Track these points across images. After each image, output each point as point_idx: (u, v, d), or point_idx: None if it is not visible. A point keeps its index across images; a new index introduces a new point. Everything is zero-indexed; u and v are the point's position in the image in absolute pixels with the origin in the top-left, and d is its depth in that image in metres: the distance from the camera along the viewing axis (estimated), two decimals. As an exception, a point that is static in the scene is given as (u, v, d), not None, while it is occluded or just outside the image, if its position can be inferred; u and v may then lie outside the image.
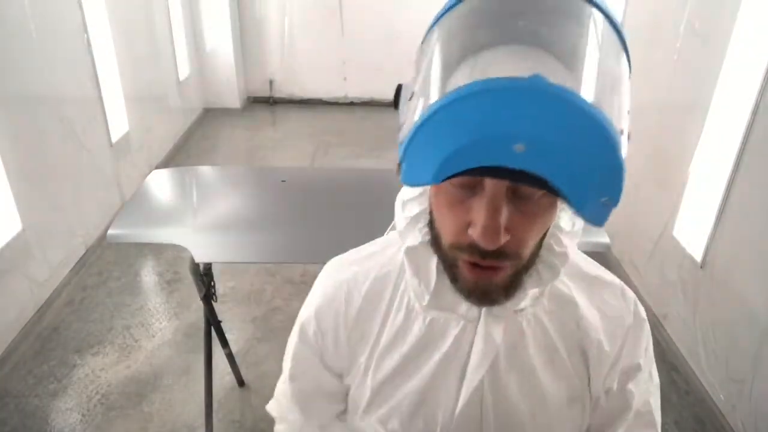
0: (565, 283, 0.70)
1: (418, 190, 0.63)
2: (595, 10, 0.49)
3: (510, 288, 0.58)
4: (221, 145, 5.16)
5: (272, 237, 1.80)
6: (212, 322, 2.03)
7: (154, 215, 1.93)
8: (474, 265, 0.55)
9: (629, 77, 0.50)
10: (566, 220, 0.61)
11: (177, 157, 4.73)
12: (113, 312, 2.84)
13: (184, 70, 5.08)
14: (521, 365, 0.67)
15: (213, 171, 2.47)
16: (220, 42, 5.53)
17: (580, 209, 0.46)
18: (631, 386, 0.70)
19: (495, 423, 0.67)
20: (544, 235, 0.59)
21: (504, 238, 0.50)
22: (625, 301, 0.72)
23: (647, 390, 0.72)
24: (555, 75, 0.43)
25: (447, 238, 0.56)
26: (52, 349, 2.58)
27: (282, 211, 1.95)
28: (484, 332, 0.65)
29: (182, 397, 2.35)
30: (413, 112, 0.49)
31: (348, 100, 6.08)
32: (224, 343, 2.23)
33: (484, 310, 0.65)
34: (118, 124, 3.67)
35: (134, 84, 3.92)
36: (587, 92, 0.44)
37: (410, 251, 0.65)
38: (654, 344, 2.39)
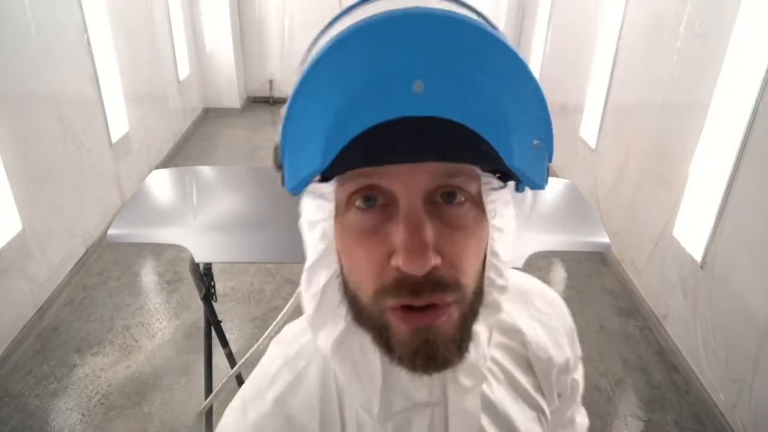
0: (504, 310, 0.60)
1: (320, 247, 0.47)
2: None
3: (461, 342, 0.46)
4: (221, 145, 5.16)
5: (272, 237, 1.80)
6: (212, 322, 2.02)
7: (154, 215, 1.93)
8: (407, 310, 0.43)
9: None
10: (502, 244, 0.48)
11: (177, 157, 4.73)
12: (113, 312, 2.84)
13: (184, 70, 5.08)
14: (497, 417, 0.59)
15: (213, 171, 2.47)
16: (220, 42, 5.54)
17: (509, 159, 0.39)
18: (576, 376, 0.71)
19: None
20: (484, 267, 0.48)
21: (434, 259, 0.41)
22: (553, 305, 0.68)
23: (581, 374, 0.74)
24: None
25: (367, 287, 0.44)
26: (52, 349, 2.58)
27: (282, 211, 1.95)
28: (457, 413, 0.54)
29: (182, 397, 2.35)
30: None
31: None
32: (224, 343, 2.23)
33: (449, 385, 0.53)
34: (118, 124, 3.67)
35: (134, 84, 3.92)
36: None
37: (337, 348, 0.49)
38: (654, 344, 2.41)
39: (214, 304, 2.00)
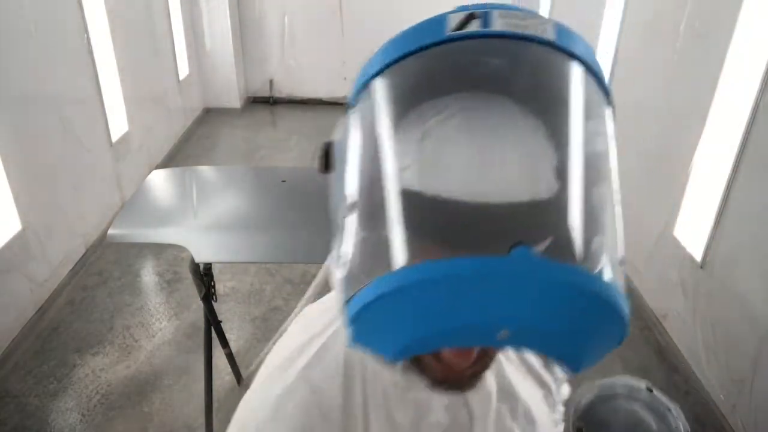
0: None
1: None
2: (576, 63, 0.41)
3: (484, 368, 0.49)
4: (221, 145, 5.16)
5: (272, 237, 1.80)
6: (212, 322, 2.02)
7: (154, 215, 1.93)
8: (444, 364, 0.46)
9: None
10: None
11: (177, 157, 4.73)
12: (113, 312, 2.84)
13: (184, 70, 5.08)
14: (506, 392, 0.62)
15: (213, 171, 2.47)
16: (220, 42, 5.53)
17: (576, 371, 0.40)
18: None
19: None
20: None
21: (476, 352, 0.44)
22: None
23: None
24: (531, 156, 0.37)
25: None
26: (52, 349, 2.58)
27: (282, 211, 1.95)
28: (476, 389, 0.54)
29: (182, 397, 2.35)
30: (356, 234, 0.40)
31: (348, 100, 6.08)
32: (224, 343, 2.23)
33: None
34: (118, 124, 3.67)
35: (134, 84, 3.92)
36: (573, 205, 0.36)
37: None
38: (654, 344, 2.40)
39: (214, 304, 2.00)
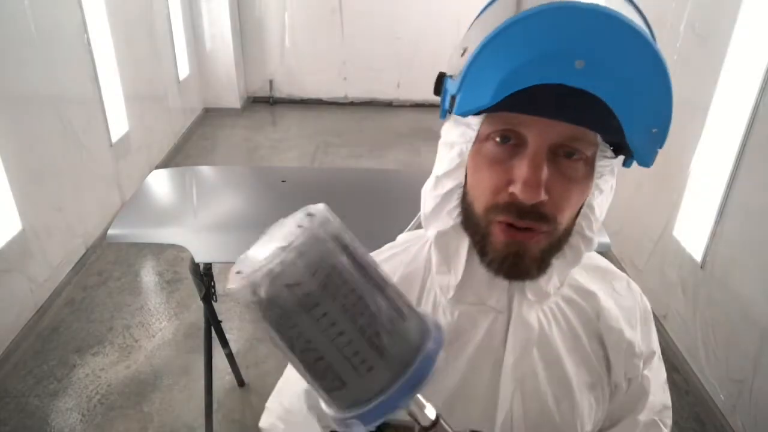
0: (581, 274, 0.70)
1: (455, 162, 0.60)
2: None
3: (542, 263, 0.58)
4: (221, 145, 5.16)
5: (272, 237, 1.80)
6: (212, 322, 2.03)
7: (154, 215, 1.94)
8: (509, 227, 0.55)
9: None
10: (599, 202, 0.60)
11: (177, 157, 4.73)
12: (113, 312, 2.84)
13: (184, 70, 5.08)
14: (548, 352, 0.66)
15: (213, 171, 2.48)
16: (220, 42, 5.53)
17: (631, 137, 0.50)
18: (647, 372, 0.72)
19: (524, 409, 0.66)
20: (578, 214, 0.59)
21: (543, 195, 0.52)
22: (632, 292, 0.74)
23: (659, 374, 0.76)
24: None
25: (483, 200, 0.57)
26: (52, 349, 2.58)
27: (282, 211, 1.95)
28: (519, 320, 0.63)
29: (182, 397, 2.35)
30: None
31: (348, 100, 6.08)
32: (224, 343, 2.23)
33: (515, 298, 0.63)
34: (118, 124, 3.67)
35: (134, 84, 3.92)
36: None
37: (440, 237, 0.63)
38: (654, 344, 2.29)
39: (214, 304, 2.00)
